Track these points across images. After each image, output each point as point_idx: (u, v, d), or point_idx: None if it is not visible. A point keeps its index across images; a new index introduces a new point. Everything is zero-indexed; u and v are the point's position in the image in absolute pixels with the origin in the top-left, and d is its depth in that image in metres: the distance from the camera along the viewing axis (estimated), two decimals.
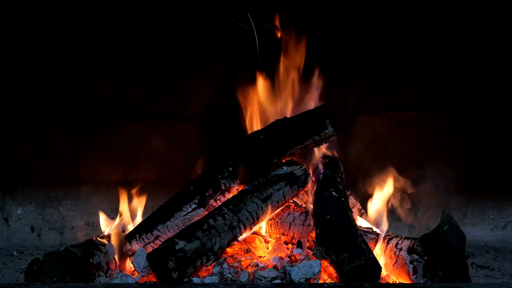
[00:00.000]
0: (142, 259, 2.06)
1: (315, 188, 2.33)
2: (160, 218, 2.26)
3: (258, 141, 2.27)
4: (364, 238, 2.00)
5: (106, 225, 2.38)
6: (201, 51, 3.06)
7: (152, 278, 2.00)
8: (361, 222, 2.40)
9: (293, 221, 2.29)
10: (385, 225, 2.30)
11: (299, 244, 2.24)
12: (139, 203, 2.47)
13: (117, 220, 2.38)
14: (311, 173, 2.36)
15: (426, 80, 3.12)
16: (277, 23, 2.60)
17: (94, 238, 2.22)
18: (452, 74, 3.11)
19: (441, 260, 1.87)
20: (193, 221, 2.13)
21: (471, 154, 3.17)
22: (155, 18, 3.03)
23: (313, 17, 2.99)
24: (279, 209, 2.27)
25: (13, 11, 2.98)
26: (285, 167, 2.27)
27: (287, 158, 2.32)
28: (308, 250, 2.20)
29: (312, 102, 2.45)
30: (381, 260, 2.08)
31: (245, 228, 2.10)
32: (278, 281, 1.92)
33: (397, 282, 2.01)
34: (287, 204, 2.30)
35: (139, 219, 2.43)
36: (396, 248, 2.06)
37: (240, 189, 2.25)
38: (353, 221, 2.09)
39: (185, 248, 1.90)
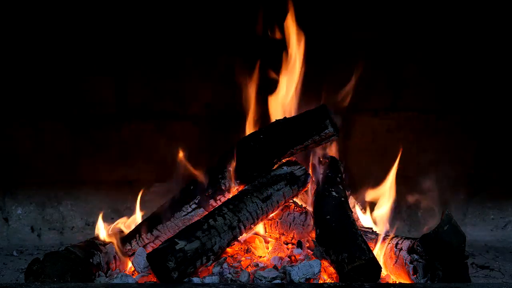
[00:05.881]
0: (142, 259, 2.07)
1: (315, 188, 2.33)
2: (160, 218, 2.26)
3: (258, 141, 2.27)
4: (364, 238, 2.00)
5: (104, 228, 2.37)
6: (201, 51, 3.05)
7: (152, 278, 2.00)
8: (361, 222, 2.41)
9: (293, 221, 2.29)
10: (385, 226, 2.30)
11: (299, 244, 2.24)
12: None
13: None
14: (311, 173, 2.37)
15: (426, 80, 3.12)
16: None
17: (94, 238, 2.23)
18: (452, 74, 3.11)
19: (441, 260, 1.87)
20: (193, 221, 2.13)
21: (471, 154, 3.17)
22: (155, 19, 3.02)
23: (314, 16, 2.99)
24: (279, 209, 2.28)
25: (14, 12, 2.97)
26: (285, 167, 2.27)
27: (287, 158, 2.33)
28: (308, 250, 2.20)
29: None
30: (381, 260, 2.08)
31: (245, 228, 2.10)
32: (278, 281, 1.92)
33: (397, 282, 2.01)
34: (287, 204, 2.30)
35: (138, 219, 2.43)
36: (396, 248, 2.06)
37: (240, 189, 2.25)
38: (353, 221, 2.09)
39: (185, 248, 1.90)
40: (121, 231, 2.34)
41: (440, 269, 1.87)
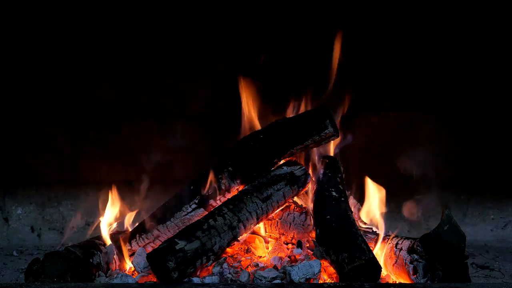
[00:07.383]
0: (142, 259, 2.07)
1: (315, 188, 2.33)
2: (160, 218, 2.26)
3: (258, 141, 2.27)
4: (364, 238, 2.00)
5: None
6: (201, 51, 3.05)
7: (152, 278, 2.00)
8: (361, 222, 2.40)
9: (293, 221, 2.29)
10: (384, 225, 2.29)
11: (299, 244, 2.24)
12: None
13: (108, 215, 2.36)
14: (311, 173, 2.36)
15: (426, 80, 3.12)
16: None
17: (94, 238, 2.22)
18: (452, 75, 3.11)
19: (441, 260, 1.87)
20: (193, 221, 2.13)
21: (471, 154, 3.17)
22: (155, 20, 3.03)
23: (315, 17, 2.99)
24: (279, 209, 2.28)
25: (15, 13, 2.98)
26: (285, 167, 2.27)
27: (287, 158, 2.33)
28: (308, 250, 2.20)
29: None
30: (381, 260, 2.08)
31: (245, 228, 2.10)
32: (278, 281, 1.92)
33: (397, 282, 2.01)
34: (287, 204, 2.30)
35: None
36: (396, 248, 2.06)
37: (240, 189, 2.25)
38: (353, 221, 2.09)
39: (185, 248, 1.90)
40: (121, 231, 2.34)
41: (440, 269, 1.87)
